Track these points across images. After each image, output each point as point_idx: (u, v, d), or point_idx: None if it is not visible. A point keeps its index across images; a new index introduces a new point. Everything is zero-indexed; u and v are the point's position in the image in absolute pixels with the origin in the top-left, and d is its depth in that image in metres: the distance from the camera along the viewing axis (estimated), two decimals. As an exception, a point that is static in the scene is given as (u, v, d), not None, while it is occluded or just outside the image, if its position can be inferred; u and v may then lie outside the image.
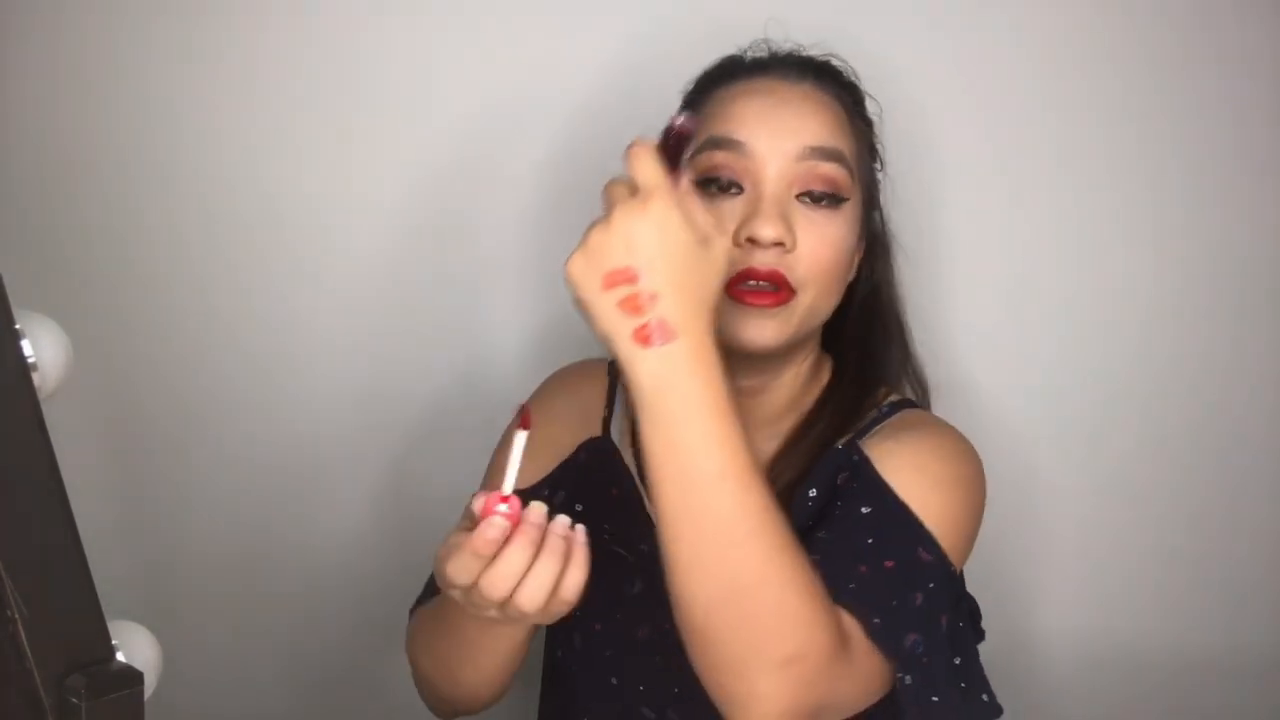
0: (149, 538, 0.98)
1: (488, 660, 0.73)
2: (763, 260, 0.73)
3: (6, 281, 0.40)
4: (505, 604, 0.61)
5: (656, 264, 0.59)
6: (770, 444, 0.79)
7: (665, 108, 0.74)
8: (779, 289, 0.74)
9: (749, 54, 0.83)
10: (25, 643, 0.40)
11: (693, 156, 0.74)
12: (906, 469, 0.73)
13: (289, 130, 0.96)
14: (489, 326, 1.03)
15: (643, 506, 0.81)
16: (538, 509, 0.62)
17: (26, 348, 0.42)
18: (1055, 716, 1.10)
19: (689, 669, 0.64)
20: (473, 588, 0.61)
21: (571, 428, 0.86)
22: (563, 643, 0.84)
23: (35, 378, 0.42)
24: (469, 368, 1.04)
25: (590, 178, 0.67)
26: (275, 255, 0.98)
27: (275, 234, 0.98)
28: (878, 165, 0.84)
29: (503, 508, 0.61)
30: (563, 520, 0.63)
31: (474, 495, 0.63)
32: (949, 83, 1.01)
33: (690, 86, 0.82)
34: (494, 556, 0.60)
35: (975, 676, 0.72)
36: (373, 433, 1.03)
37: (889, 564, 0.68)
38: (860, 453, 0.75)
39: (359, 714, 1.08)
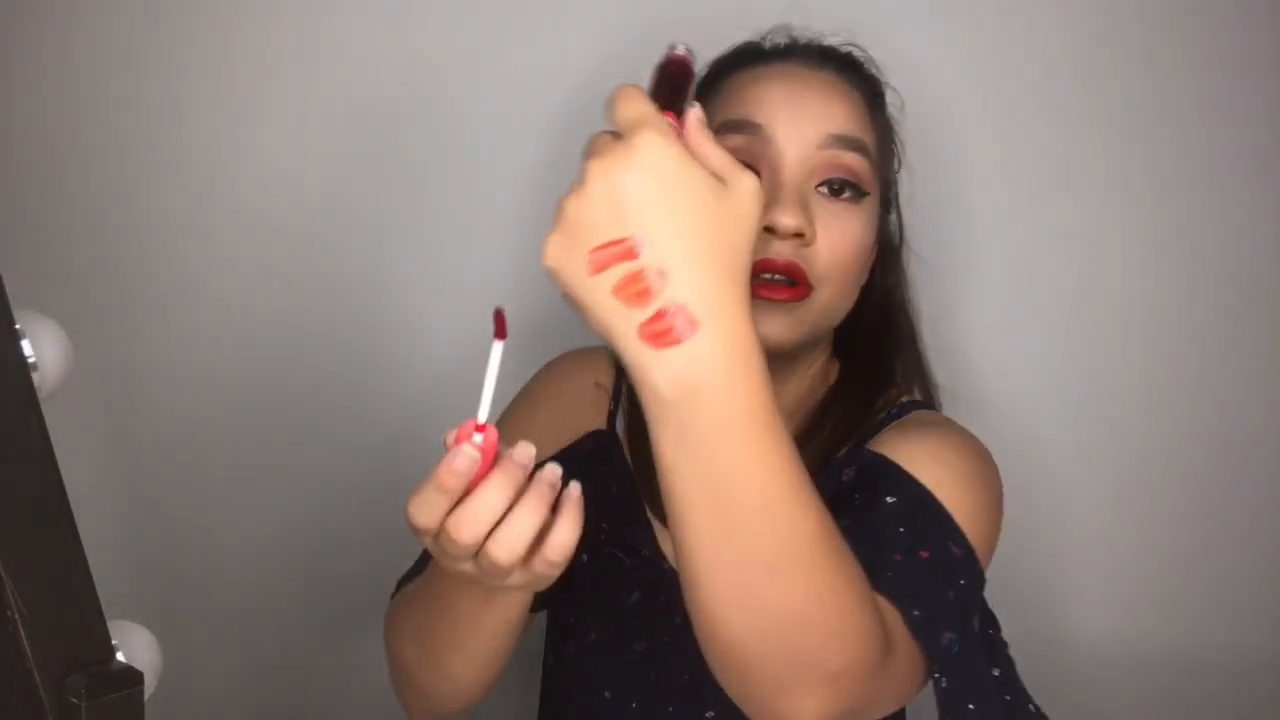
0: (149, 538, 0.98)
1: (476, 644, 0.65)
2: (780, 251, 0.69)
3: (7, 281, 0.40)
4: (478, 555, 0.52)
5: (658, 225, 0.46)
6: None
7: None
8: (796, 283, 0.69)
9: (768, 40, 0.80)
10: (25, 643, 0.40)
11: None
12: (929, 461, 0.68)
13: (289, 130, 0.96)
14: (487, 325, 1.03)
15: (644, 509, 0.77)
16: (525, 448, 0.53)
17: (26, 347, 0.42)
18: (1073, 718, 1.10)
19: (686, 687, 0.61)
20: (441, 532, 0.52)
21: (579, 414, 0.81)
22: (556, 649, 0.80)
23: (35, 377, 0.42)
24: (469, 367, 1.03)
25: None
26: (275, 255, 0.98)
27: (275, 233, 0.98)
28: (896, 165, 0.81)
29: (478, 439, 0.51)
30: (554, 468, 0.54)
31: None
32: (965, 83, 1.01)
33: (703, 73, 0.78)
34: (466, 495, 0.51)
35: (1018, 688, 0.67)
36: (373, 432, 1.03)
37: (924, 554, 0.62)
38: (871, 451, 0.71)
39: (359, 714, 1.08)
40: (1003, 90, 1.02)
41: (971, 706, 0.61)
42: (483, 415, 0.52)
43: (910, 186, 0.84)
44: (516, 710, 0.98)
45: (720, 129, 0.71)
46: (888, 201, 0.79)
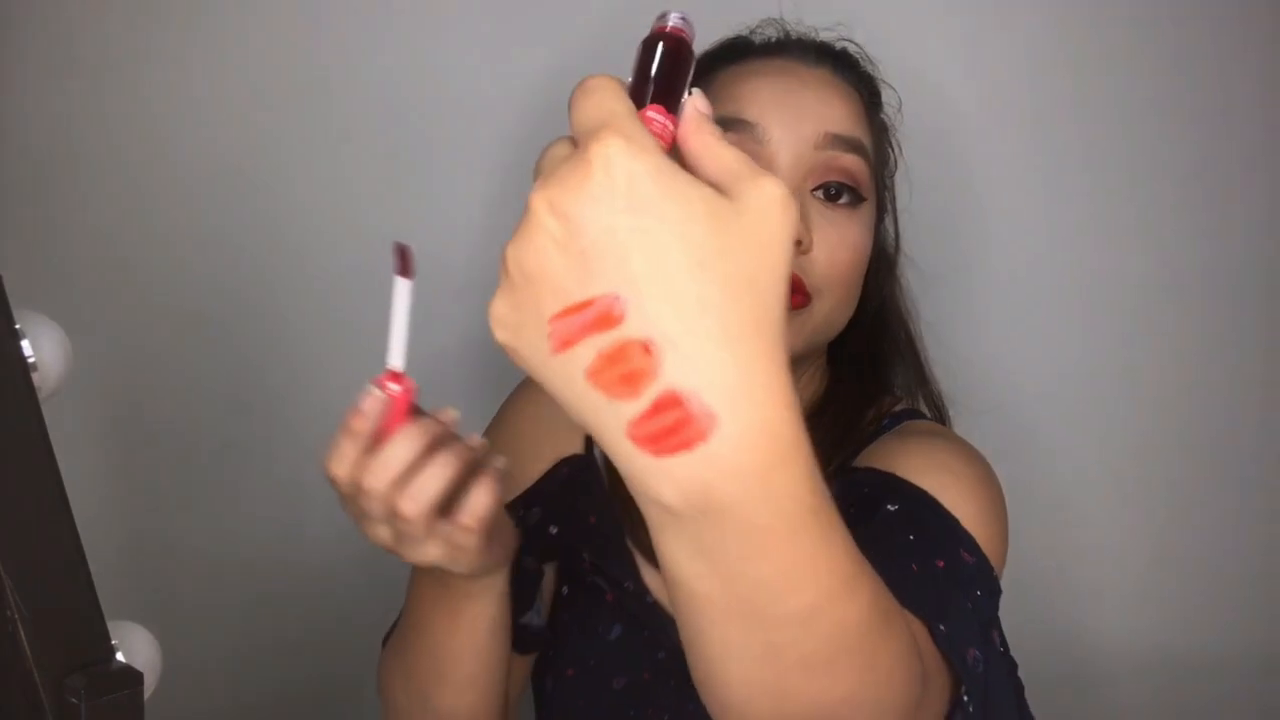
0: (149, 538, 0.98)
1: (456, 671, 0.64)
2: None
3: (7, 282, 0.40)
4: (391, 511, 0.51)
5: (639, 275, 0.32)
6: None
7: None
8: (795, 293, 0.64)
9: (758, 35, 0.75)
10: (25, 643, 0.40)
11: None
12: (929, 467, 0.64)
13: (289, 131, 0.96)
14: (484, 327, 1.03)
15: (624, 540, 0.73)
16: (449, 411, 0.52)
17: (26, 348, 0.42)
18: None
19: None
20: (356, 484, 0.51)
21: (554, 438, 0.76)
22: (537, 685, 0.77)
23: (35, 378, 0.42)
24: (468, 366, 1.04)
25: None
26: (275, 255, 0.98)
27: (275, 234, 0.98)
28: (892, 168, 0.78)
29: (394, 387, 0.50)
30: (478, 437, 0.53)
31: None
32: (964, 81, 1.00)
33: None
34: (378, 445, 0.50)
35: (1028, 714, 0.65)
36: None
37: (940, 563, 0.58)
38: (862, 468, 0.67)
39: (360, 715, 1.08)
40: (1003, 90, 1.02)
41: None
42: (393, 361, 0.50)
43: (909, 190, 0.82)
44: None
45: None
46: (883, 206, 0.76)
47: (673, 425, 0.32)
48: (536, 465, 0.76)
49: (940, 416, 0.82)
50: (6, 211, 0.89)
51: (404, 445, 0.51)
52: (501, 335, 0.35)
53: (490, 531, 0.56)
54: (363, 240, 1.00)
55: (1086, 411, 1.06)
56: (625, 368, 0.32)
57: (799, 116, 0.66)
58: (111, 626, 0.43)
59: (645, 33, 0.39)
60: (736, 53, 0.72)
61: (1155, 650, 1.09)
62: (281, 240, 0.98)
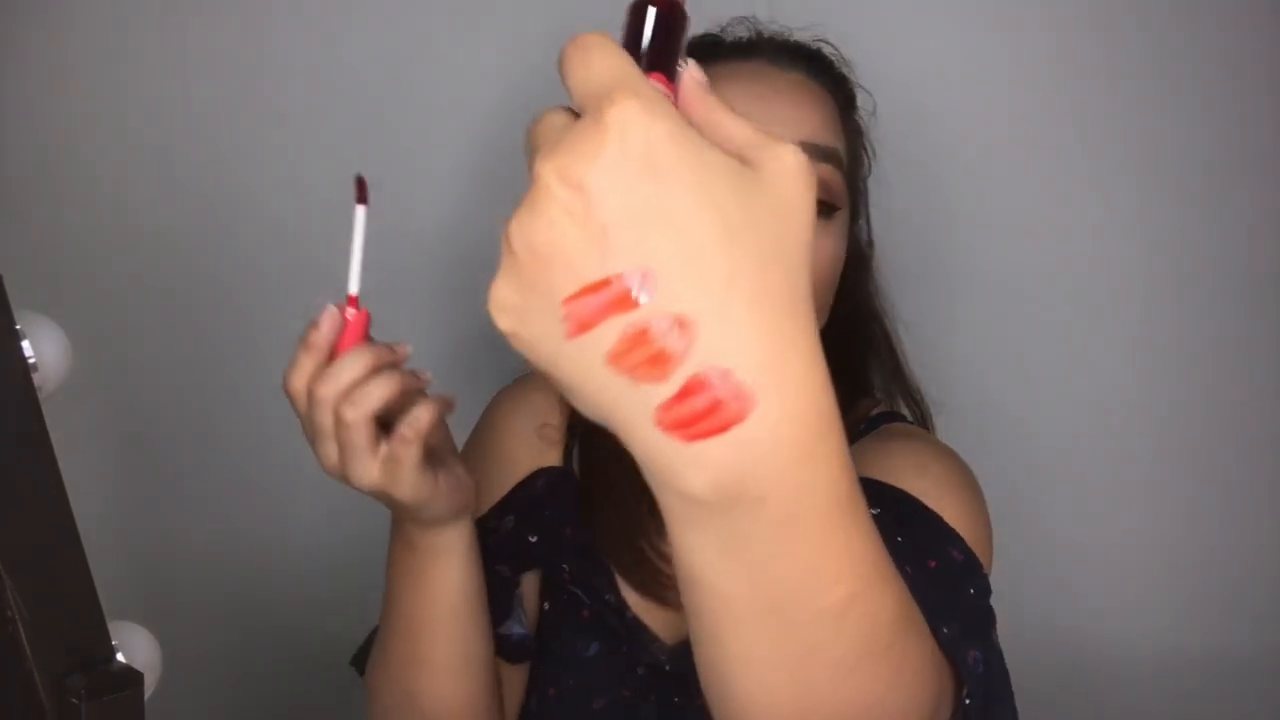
0: (149, 538, 0.98)
1: (432, 652, 0.64)
2: None
3: (7, 282, 0.40)
4: (337, 419, 0.54)
5: (663, 249, 0.29)
6: None
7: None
8: None
9: (729, 33, 0.73)
10: (25, 643, 0.40)
11: None
12: (909, 469, 0.64)
13: (289, 131, 0.96)
14: (482, 327, 1.03)
15: (600, 555, 0.72)
16: (405, 345, 0.57)
17: (27, 348, 0.42)
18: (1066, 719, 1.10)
19: None
20: (309, 397, 0.55)
21: (530, 450, 0.76)
22: (524, 705, 0.77)
23: (36, 378, 0.42)
24: (466, 366, 1.04)
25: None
26: (275, 255, 0.98)
27: (276, 234, 0.98)
28: (866, 170, 0.76)
29: (351, 312, 0.56)
30: (425, 372, 0.57)
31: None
32: (942, 82, 0.99)
33: None
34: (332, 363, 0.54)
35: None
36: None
37: (932, 564, 0.57)
38: None
39: (361, 714, 1.08)
40: (981, 88, 1.00)
41: None
42: (352, 286, 0.55)
43: (885, 190, 0.80)
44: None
45: None
46: (856, 209, 0.74)
47: (706, 408, 0.30)
48: (513, 475, 0.75)
49: (921, 415, 0.81)
50: (7, 212, 0.89)
51: (353, 359, 0.54)
52: (505, 322, 0.32)
53: (431, 456, 0.58)
54: (385, 239, 1.00)
55: (1069, 410, 1.06)
56: (652, 349, 0.29)
57: (771, 124, 0.60)
58: (112, 627, 0.43)
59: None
60: (706, 53, 0.69)
61: (1148, 651, 1.09)
62: (283, 240, 0.98)
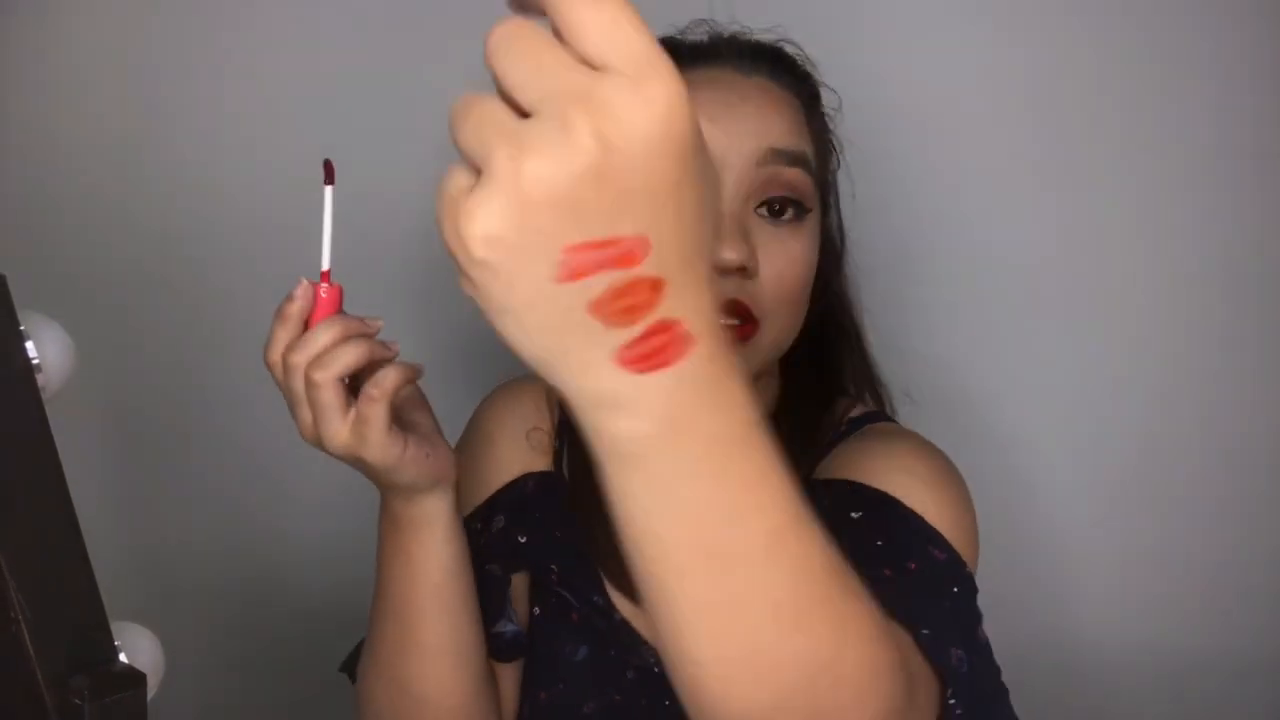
0: (152, 539, 0.98)
1: (421, 629, 0.65)
2: (722, 289, 0.62)
3: (10, 283, 0.40)
4: (308, 381, 0.57)
5: (669, 223, 0.33)
6: None
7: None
8: (742, 322, 0.63)
9: (688, 37, 0.71)
10: (28, 644, 0.40)
11: None
12: (890, 469, 0.63)
13: (289, 131, 0.96)
14: (471, 331, 1.03)
15: (590, 557, 0.72)
16: (378, 320, 0.60)
17: (30, 349, 0.42)
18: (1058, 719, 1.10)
19: None
20: (285, 366, 0.58)
21: (519, 452, 0.77)
22: (519, 710, 0.77)
23: (39, 379, 0.42)
24: (457, 370, 1.04)
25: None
26: (277, 256, 0.98)
27: (276, 233, 0.98)
28: (835, 164, 0.75)
29: (324, 286, 0.60)
30: (394, 341, 0.60)
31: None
32: (921, 75, 0.97)
33: None
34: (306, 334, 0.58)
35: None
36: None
37: (912, 565, 0.57)
38: (819, 481, 0.65)
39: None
40: (954, 79, 0.98)
41: None
42: (325, 262, 0.59)
43: (852, 186, 0.79)
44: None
45: None
46: (827, 206, 0.73)
47: (660, 347, 0.34)
48: (501, 476, 0.76)
49: (883, 408, 0.81)
50: (9, 213, 0.89)
51: (324, 328, 0.58)
52: (490, 253, 0.32)
53: (401, 420, 0.60)
54: (366, 242, 1.00)
55: (1047, 404, 1.05)
56: (631, 300, 0.33)
57: (738, 133, 0.63)
58: (115, 628, 0.43)
59: None
60: None
61: (1140, 652, 1.09)
62: (284, 239, 0.98)
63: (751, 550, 0.37)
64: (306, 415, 0.59)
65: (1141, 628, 1.09)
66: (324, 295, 0.60)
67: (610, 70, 0.31)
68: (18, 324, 0.41)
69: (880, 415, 0.76)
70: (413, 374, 0.60)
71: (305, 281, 0.60)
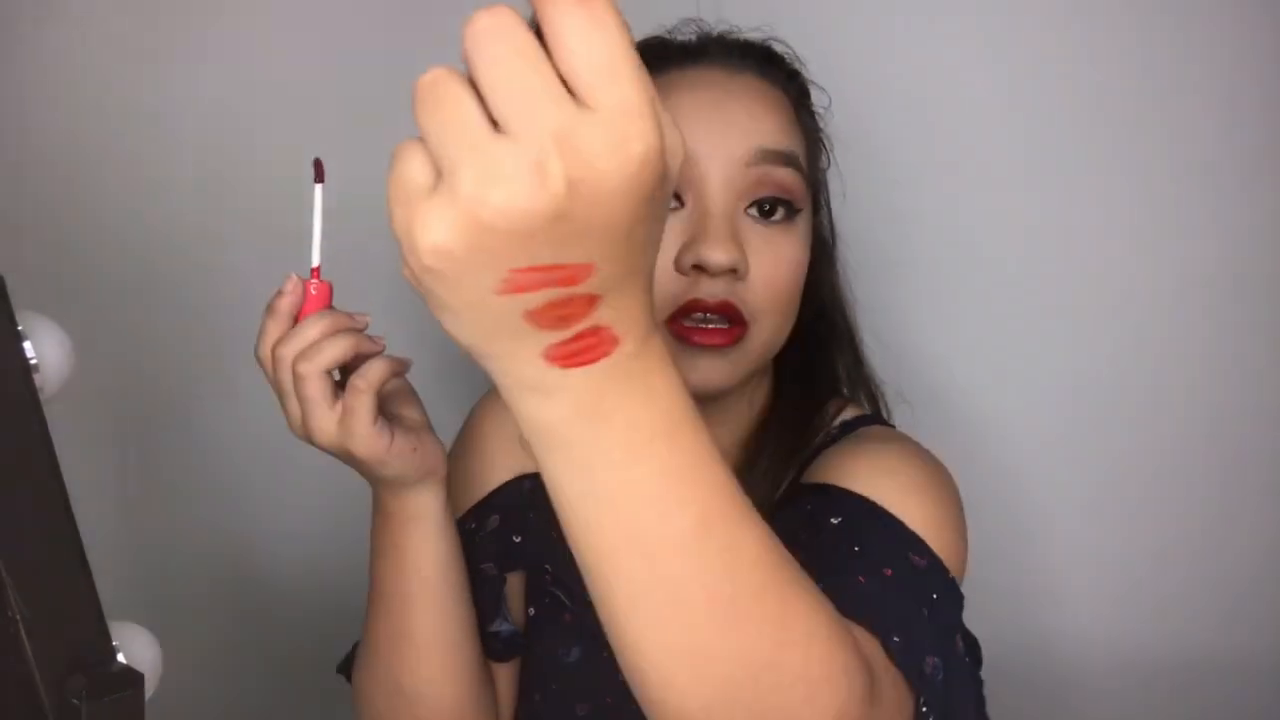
0: (150, 539, 0.98)
1: (414, 625, 0.65)
2: (711, 291, 0.61)
3: (10, 283, 0.40)
4: (295, 375, 0.58)
5: (616, 251, 0.34)
6: None
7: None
8: (732, 324, 0.63)
9: (676, 36, 0.71)
10: (26, 644, 0.40)
11: None
12: (870, 473, 0.63)
13: (290, 132, 0.96)
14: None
15: None
16: (364, 315, 0.61)
17: (28, 349, 0.42)
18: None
19: None
20: (274, 360, 0.59)
21: (514, 456, 0.77)
22: (516, 710, 0.77)
23: (37, 379, 0.42)
24: (461, 367, 1.04)
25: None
26: (279, 256, 0.98)
27: (279, 234, 0.98)
28: (825, 163, 0.75)
29: (314, 282, 0.61)
30: (381, 337, 0.61)
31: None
32: (912, 71, 0.96)
33: None
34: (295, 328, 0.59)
35: None
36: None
37: (888, 571, 0.56)
38: (805, 485, 0.65)
39: (359, 715, 1.08)
40: (946, 76, 0.98)
41: None
42: (314, 258, 0.61)
43: (847, 185, 0.78)
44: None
45: None
46: (818, 204, 0.73)
47: (586, 347, 0.36)
48: (497, 476, 0.77)
49: (877, 408, 0.80)
50: (9, 214, 0.89)
51: (312, 322, 0.59)
52: (439, 264, 0.33)
53: (388, 414, 0.61)
54: (365, 243, 1.00)
55: (1041, 404, 1.05)
56: (565, 311, 0.35)
57: (727, 134, 0.63)
58: (112, 627, 0.43)
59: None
60: (654, 61, 0.66)
61: (1133, 655, 1.09)
62: (284, 239, 0.98)
63: (679, 539, 0.38)
64: (295, 409, 0.60)
65: (1138, 628, 1.09)
66: (314, 291, 0.61)
67: (594, 108, 0.31)
68: (16, 325, 0.41)
69: (873, 419, 0.76)
70: (400, 367, 0.61)
71: (295, 277, 0.61)
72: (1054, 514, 1.07)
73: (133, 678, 0.42)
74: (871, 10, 0.96)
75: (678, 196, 0.62)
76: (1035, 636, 1.09)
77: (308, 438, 0.61)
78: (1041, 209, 1.01)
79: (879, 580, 0.55)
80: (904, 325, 0.95)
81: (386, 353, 0.61)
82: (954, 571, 0.61)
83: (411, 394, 0.66)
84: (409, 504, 0.64)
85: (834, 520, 0.60)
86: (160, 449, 0.98)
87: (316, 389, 0.58)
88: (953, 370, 1.02)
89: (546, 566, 0.74)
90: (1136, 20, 0.96)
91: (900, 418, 0.84)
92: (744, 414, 0.71)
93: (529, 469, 0.77)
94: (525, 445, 0.76)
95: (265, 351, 0.60)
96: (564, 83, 0.31)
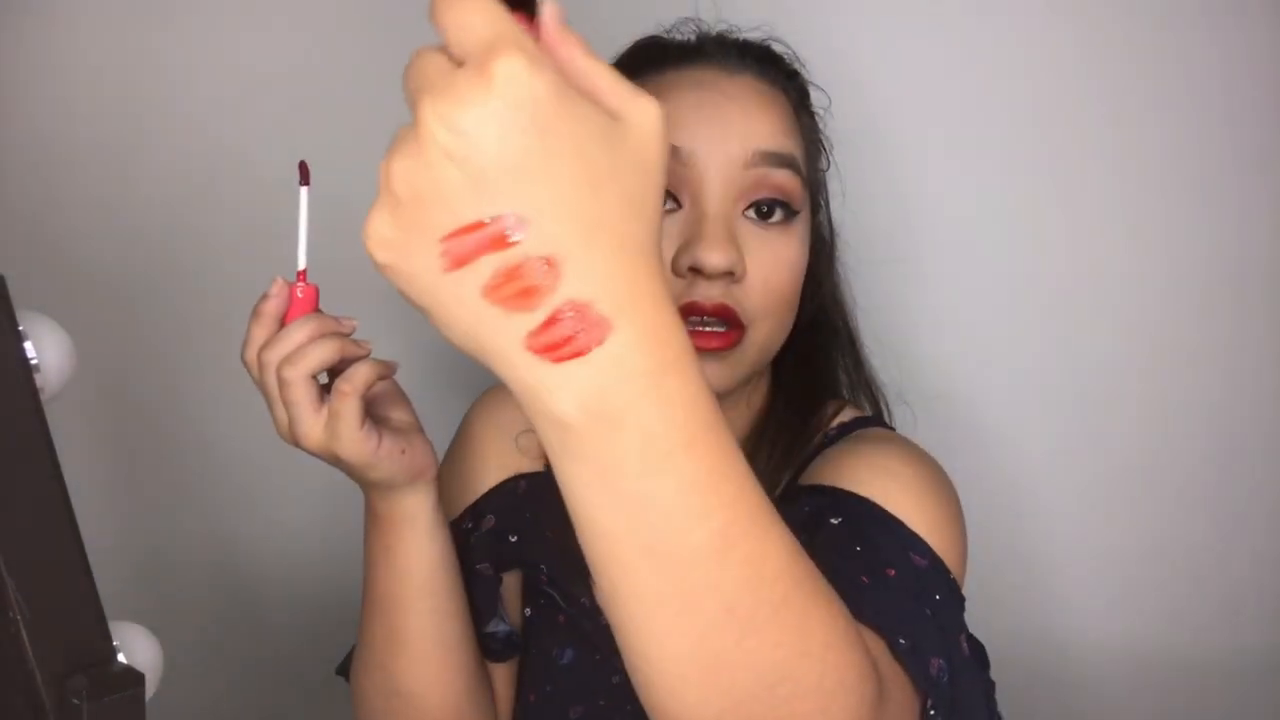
0: (150, 539, 0.98)
1: (407, 627, 0.65)
2: (708, 294, 0.61)
3: (10, 283, 0.40)
4: (280, 380, 0.58)
5: (539, 195, 0.32)
6: None
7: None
8: (729, 327, 0.62)
9: (674, 36, 0.70)
10: (26, 643, 0.40)
11: None
12: (874, 474, 0.62)
13: (290, 131, 0.96)
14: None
15: (580, 556, 0.72)
16: (351, 320, 0.61)
17: (29, 349, 0.42)
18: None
19: None
20: (260, 365, 0.59)
21: (509, 457, 0.77)
22: (514, 711, 0.77)
23: (37, 379, 0.42)
24: (455, 369, 1.04)
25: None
26: (278, 257, 0.98)
27: (276, 234, 0.98)
28: (825, 164, 0.74)
29: (300, 286, 0.61)
30: (366, 342, 0.60)
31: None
32: (911, 72, 0.96)
33: None
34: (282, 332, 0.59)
35: None
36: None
37: (890, 572, 0.55)
38: (804, 486, 0.64)
39: (359, 715, 1.08)
40: (946, 78, 0.97)
41: None
42: (300, 262, 0.61)
43: (846, 186, 0.78)
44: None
45: None
46: (817, 205, 0.72)
47: (570, 334, 0.33)
48: (492, 477, 0.77)
49: (878, 410, 0.80)
50: (8, 213, 0.89)
51: (298, 326, 0.59)
52: (384, 256, 0.34)
53: (375, 417, 0.61)
54: (360, 251, 1.00)
55: (1040, 405, 1.04)
56: (523, 283, 0.33)
57: (725, 135, 0.62)
58: (113, 627, 0.43)
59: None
60: (652, 61, 0.67)
61: (1133, 653, 1.09)
62: (283, 240, 0.98)
63: (698, 552, 0.36)
64: (281, 413, 0.60)
65: (1139, 629, 1.09)
66: (300, 295, 0.61)
67: (465, 63, 0.32)
68: (17, 324, 0.41)
69: (872, 420, 0.75)
70: (386, 370, 0.61)
71: (280, 280, 0.61)
72: (1055, 514, 1.07)
73: (133, 677, 0.42)
74: (871, 10, 0.96)
75: (675, 198, 0.62)
76: (1035, 636, 1.09)
77: (295, 442, 0.61)
78: (1042, 210, 1.01)
79: (882, 581, 0.55)
80: (904, 326, 0.95)
81: (373, 356, 0.61)
82: (954, 572, 0.60)
83: (400, 396, 0.66)
84: (399, 506, 0.64)
85: (834, 520, 0.59)
86: (160, 449, 0.98)
87: (302, 393, 0.58)
88: (953, 371, 1.02)
89: (541, 566, 0.73)
90: (1136, 20, 0.96)
91: (900, 418, 0.84)
92: (741, 415, 0.71)
93: (524, 469, 0.77)
94: (520, 445, 0.75)
95: (251, 355, 0.60)
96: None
